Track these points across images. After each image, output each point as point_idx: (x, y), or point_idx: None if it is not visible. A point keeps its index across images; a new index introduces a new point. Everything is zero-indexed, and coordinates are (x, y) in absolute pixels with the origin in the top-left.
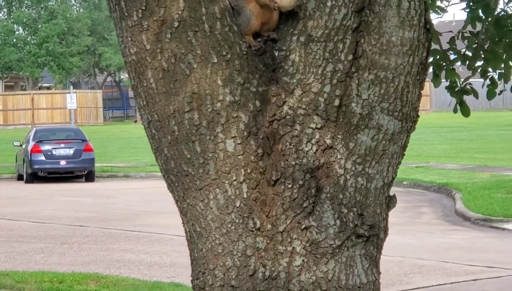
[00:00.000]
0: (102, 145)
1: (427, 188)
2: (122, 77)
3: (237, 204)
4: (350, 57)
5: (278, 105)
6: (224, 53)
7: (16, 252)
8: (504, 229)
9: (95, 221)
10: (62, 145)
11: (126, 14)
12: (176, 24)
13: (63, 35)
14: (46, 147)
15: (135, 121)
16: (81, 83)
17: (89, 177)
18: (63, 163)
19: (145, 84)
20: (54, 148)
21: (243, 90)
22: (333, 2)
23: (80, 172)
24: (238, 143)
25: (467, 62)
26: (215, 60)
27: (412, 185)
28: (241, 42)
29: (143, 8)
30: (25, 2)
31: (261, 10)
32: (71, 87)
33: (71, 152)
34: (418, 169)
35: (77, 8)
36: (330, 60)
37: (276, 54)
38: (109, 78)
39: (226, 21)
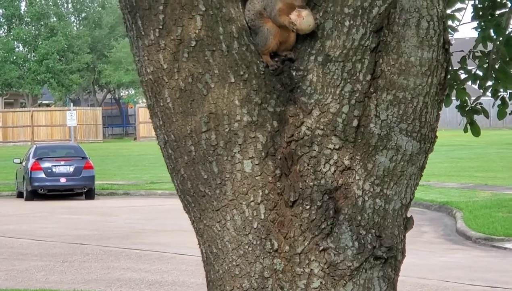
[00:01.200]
0: (102, 162)
1: (428, 206)
2: (121, 94)
3: (255, 225)
4: (369, 77)
5: (296, 126)
6: (242, 73)
7: (17, 270)
8: (505, 248)
9: (96, 239)
10: (62, 162)
11: (143, 33)
12: (193, 43)
13: (63, 52)
14: (46, 164)
15: (135, 138)
16: (80, 100)
17: (89, 194)
18: (63, 180)
19: (161, 104)
20: (54, 165)
21: (261, 110)
22: (351, 22)
23: (80, 190)
24: (256, 164)
25: (478, 81)
26: (233, 80)
27: (412, 203)
28: (258, 62)
29: (160, 27)
30: (25, 19)
31: (278, 30)
32: (71, 104)
33: (71, 169)
34: (418, 188)
35: (77, 26)
36: (349, 80)
37: (294, 74)
38: (108, 96)
39: (244, 41)
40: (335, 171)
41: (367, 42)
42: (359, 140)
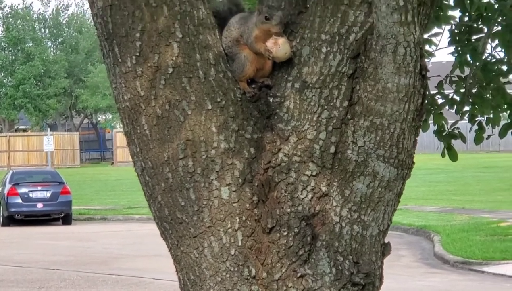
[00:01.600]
0: (79, 187)
1: (406, 230)
2: (99, 119)
3: (232, 252)
4: (346, 103)
5: (273, 153)
6: (219, 99)
7: None
8: (483, 272)
9: (73, 264)
10: (39, 188)
11: (120, 60)
12: (170, 70)
13: (40, 77)
14: (22, 190)
15: (112, 163)
16: (57, 125)
17: (66, 219)
18: (40, 205)
19: (138, 131)
20: (31, 191)
21: (238, 137)
22: (328, 48)
23: (57, 215)
24: (233, 191)
25: (455, 106)
26: (210, 107)
27: (390, 227)
28: (235, 88)
29: (137, 54)
30: (2, 44)
31: (255, 57)
32: (48, 129)
33: (48, 194)
34: (396, 211)
35: (54, 50)
36: (326, 106)
37: (271, 100)
38: (86, 120)
39: (220, 68)
40: (312, 197)
41: (344, 68)
42: (337, 167)
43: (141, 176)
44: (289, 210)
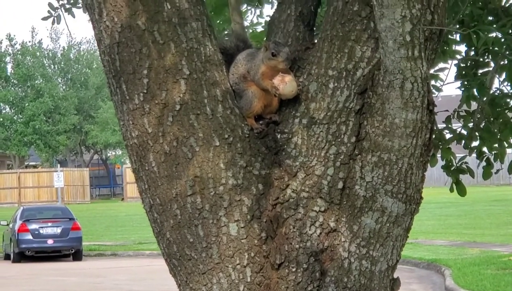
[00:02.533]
0: (90, 223)
1: (416, 264)
2: (108, 155)
3: (241, 288)
4: (353, 139)
5: (281, 189)
6: (226, 136)
7: None
8: None
9: None
10: (49, 224)
11: (127, 97)
12: (178, 107)
13: (50, 114)
14: (33, 226)
15: (122, 199)
16: (67, 161)
17: (77, 255)
18: (50, 242)
19: (147, 168)
20: (41, 227)
21: (246, 173)
22: (336, 84)
23: (68, 251)
24: (241, 227)
25: (463, 141)
26: (217, 143)
27: (401, 261)
28: (243, 125)
29: (145, 91)
30: (12, 80)
31: (262, 93)
32: (58, 165)
33: (58, 230)
34: (406, 245)
35: (64, 87)
36: (333, 142)
37: (279, 136)
38: (95, 156)
39: (228, 104)
40: (320, 233)
41: (351, 104)
42: (345, 202)
43: (150, 213)
44: (297, 245)
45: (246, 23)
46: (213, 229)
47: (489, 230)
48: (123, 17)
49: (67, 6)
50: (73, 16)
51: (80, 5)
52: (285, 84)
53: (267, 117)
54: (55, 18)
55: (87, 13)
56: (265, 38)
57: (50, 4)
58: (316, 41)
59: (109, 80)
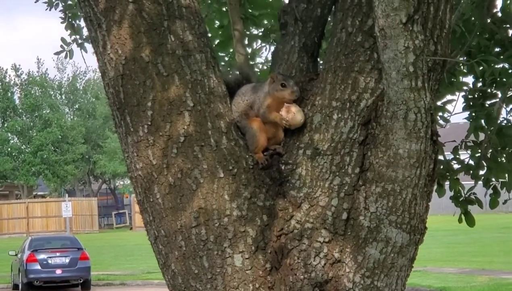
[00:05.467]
0: (98, 253)
1: None
2: (117, 184)
3: None
4: (357, 170)
5: (285, 220)
6: (231, 167)
7: None
8: None
9: None
10: (58, 254)
11: (131, 129)
12: (182, 139)
13: (58, 143)
14: (41, 256)
15: (131, 228)
16: (76, 191)
17: (85, 285)
18: (58, 272)
19: (151, 200)
20: (50, 257)
21: (250, 204)
22: (339, 115)
23: (76, 281)
24: (246, 258)
25: (471, 171)
26: (222, 175)
27: (409, 289)
28: (247, 156)
29: (149, 123)
30: (19, 110)
31: (265, 127)
32: (66, 195)
33: (66, 260)
34: (415, 273)
35: (71, 116)
36: (337, 173)
37: (283, 167)
38: (104, 186)
39: (232, 136)
40: (325, 264)
41: (355, 135)
42: (349, 233)
43: (155, 245)
44: (302, 276)
45: (261, 60)
46: (218, 260)
47: (498, 258)
48: (127, 49)
49: (80, 41)
50: (86, 51)
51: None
52: (293, 114)
53: (271, 149)
54: (68, 52)
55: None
56: (270, 71)
57: (63, 39)
58: (319, 72)
59: (113, 112)
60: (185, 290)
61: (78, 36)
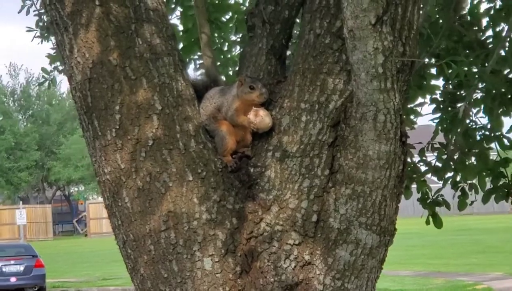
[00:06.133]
0: (53, 260)
1: None
2: (71, 191)
3: None
4: (327, 172)
5: (255, 222)
6: (199, 170)
7: None
8: None
9: None
10: (12, 262)
11: (99, 133)
12: (150, 142)
13: (11, 150)
14: None
15: (86, 235)
16: (30, 198)
17: None
18: (13, 279)
19: (120, 204)
20: (4, 265)
21: (220, 207)
22: (308, 117)
23: (31, 288)
24: (216, 262)
25: (438, 173)
26: (191, 178)
27: None
28: (216, 159)
29: (117, 127)
30: None
31: (233, 130)
32: (20, 202)
33: (21, 268)
34: None
35: (25, 123)
36: (307, 175)
37: (252, 170)
38: (58, 193)
39: (201, 139)
40: (295, 266)
41: (324, 137)
42: (319, 235)
43: (123, 249)
44: (272, 279)
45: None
46: (187, 264)
47: (453, 260)
48: (94, 53)
49: (61, 68)
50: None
51: None
52: (261, 117)
53: (240, 152)
54: (50, 82)
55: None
56: (237, 74)
57: (43, 69)
58: (287, 74)
59: (80, 117)
60: None
61: (58, 63)
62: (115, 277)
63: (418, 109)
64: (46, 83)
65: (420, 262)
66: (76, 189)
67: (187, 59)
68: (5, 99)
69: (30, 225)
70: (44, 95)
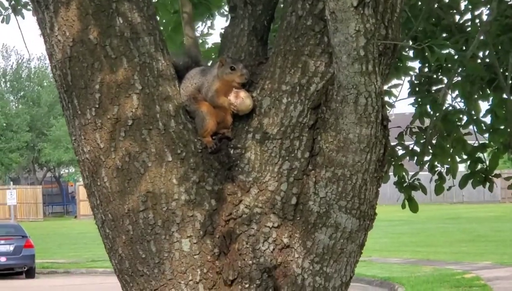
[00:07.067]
0: (42, 241)
1: (370, 282)
2: (62, 172)
3: None
4: (307, 154)
5: (234, 204)
6: (179, 151)
7: None
8: None
9: None
10: (2, 242)
11: (79, 112)
12: (130, 122)
13: (2, 131)
14: None
15: (75, 216)
16: (20, 179)
17: (30, 273)
18: (3, 259)
19: (99, 183)
20: None
21: (199, 189)
22: (289, 99)
23: (21, 269)
24: (194, 243)
25: (415, 157)
26: (170, 159)
27: (354, 279)
28: (195, 140)
29: (97, 106)
30: None
31: (214, 111)
32: (11, 183)
33: (11, 248)
34: (360, 263)
35: (16, 104)
36: (287, 158)
37: (232, 152)
38: (48, 174)
39: (181, 119)
40: (274, 249)
41: (305, 119)
42: (298, 218)
43: (102, 229)
44: (250, 262)
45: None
46: (165, 244)
47: (442, 248)
48: (74, 31)
49: (18, 8)
50: (23, 17)
51: (30, 7)
52: (241, 99)
53: (220, 133)
54: (5, 17)
55: (38, 27)
56: (218, 54)
57: (0, 3)
58: (269, 56)
59: (60, 95)
60: (132, 275)
61: (15, 2)
62: (103, 259)
63: (394, 90)
64: (0, 18)
65: (409, 249)
66: (66, 171)
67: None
68: None
69: (20, 205)
70: (35, 77)
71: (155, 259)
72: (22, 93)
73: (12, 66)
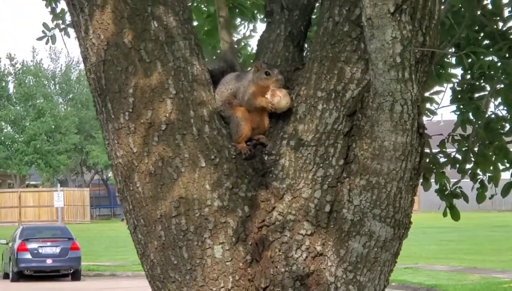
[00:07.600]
0: (89, 243)
1: (416, 289)
2: (109, 175)
3: None
4: (342, 162)
5: (267, 211)
6: (213, 157)
7: None
8: None
9: None
10: (49, 243)
11: (112, 116)
12: (163, 127)
13: (51, 133)
14: (32, 245)
15: (122, 219)
16: (68, 181)
17: (75, 275)
18: (49, 261)
19: (131, 188)
20: (41, 246)
21: (232, 195)
22: (324, 106)
23: (66, 271)
24: (226, 250)
25: (457, 165)
26: (203, 164)
27: (400, 286)
28: (230, 145)
29: (130, 110)
30: (13, 99)
31: (249, 116)
32: (58, 185)
33: (57, 250)
34: (406, 270)
35: (65, 107)
36: (321, 165)
37: (266, 158)
38: (96, 176)
39: (215, 124)
40: (307, 257)
41: (340, 126)
42: (332, 226)
43: (134, 234)
44: (283, 269)
45: (239, 36)
46: (197, 251)
47: (490, 256)
48: (109, 34)
49: (62, 26)
50: (68, 36)
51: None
52: (279, 97)
53: (255, 139)
54: (50, 38)
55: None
56: (254, 58)
57: (45, 24)
58: (305, 62)
59: (94, 99)
60: (164, 281)
61: (60, 21)
62: None
63: (435, 98)
64: (45, 39)
65: (456, 257)
66: None
67: (211, 44)
68: (46, 82)
69: (68, 207)
70: (84, 79)
71: (187, 265)
72: (71, 95)
73: (61, 68)
